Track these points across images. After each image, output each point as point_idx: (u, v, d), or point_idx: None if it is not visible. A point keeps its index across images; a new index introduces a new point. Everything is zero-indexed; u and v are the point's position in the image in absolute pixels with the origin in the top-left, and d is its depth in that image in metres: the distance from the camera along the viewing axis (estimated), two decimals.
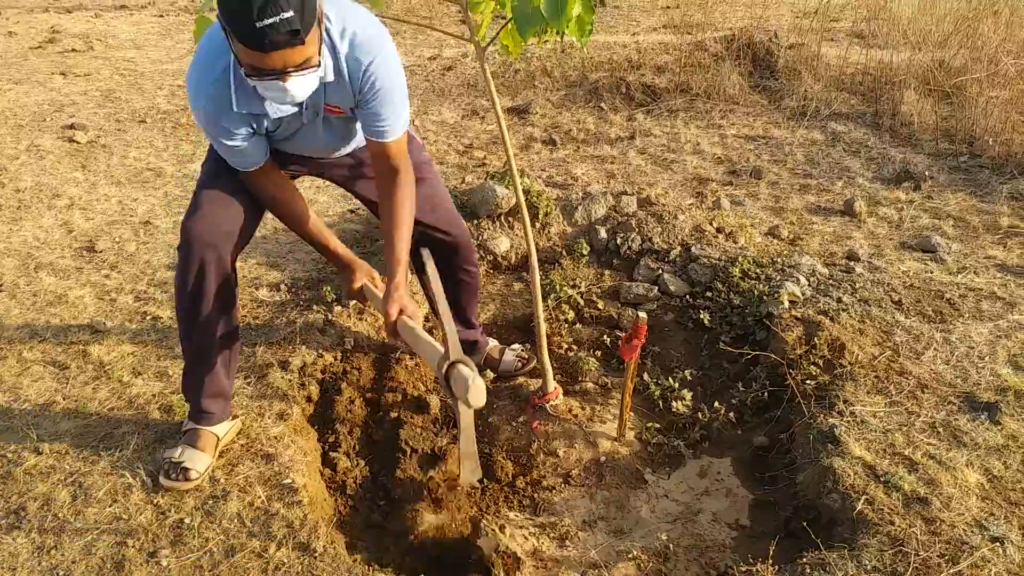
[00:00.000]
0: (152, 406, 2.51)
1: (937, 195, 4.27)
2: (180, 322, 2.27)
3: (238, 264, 3.39)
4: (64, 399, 2.54)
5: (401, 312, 2.11)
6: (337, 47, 1.96)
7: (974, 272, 3.39)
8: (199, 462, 2.22)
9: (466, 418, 1.94)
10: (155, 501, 2.14)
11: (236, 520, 2.09)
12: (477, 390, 1.84)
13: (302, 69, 1.79)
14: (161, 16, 8.59)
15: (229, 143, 2.05)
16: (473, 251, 2.64)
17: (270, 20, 1.65)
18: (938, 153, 4.86)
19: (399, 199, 2.20)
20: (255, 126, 2.06)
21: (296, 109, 2.05)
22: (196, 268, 2.14)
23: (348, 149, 2.36)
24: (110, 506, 2.12)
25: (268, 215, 2.36)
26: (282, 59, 1.74)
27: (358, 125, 2.24)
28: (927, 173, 4.48)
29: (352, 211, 3.99)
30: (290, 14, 1.67)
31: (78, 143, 4.79)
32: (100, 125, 5.16)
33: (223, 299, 2.23)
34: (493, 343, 2.94)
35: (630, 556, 2.18)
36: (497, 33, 2.43)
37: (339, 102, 2.09)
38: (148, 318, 3.00)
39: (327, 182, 2.59)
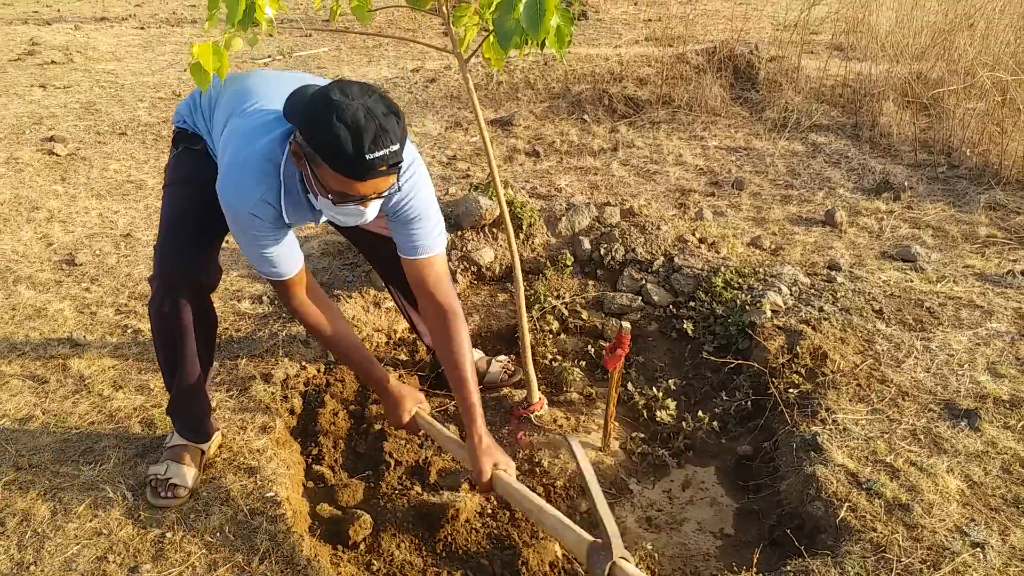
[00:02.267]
0: (133, 420, 2.49)
1: (916, 205, 4.32)
2: (165, 353, 2.23)
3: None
4: (43, 413, 2.51)
5: (495, 466, 2.03)
6: None
7: (953, 281, 3.43)
8: (186, 477, 2.20)
9: None
10: (136, 515, 2.12)
11: (218, 534, 2.08)
12: None
13: (384, 195, 1.80)
14: (142, 28, 8.56)
15: (271, 251, 1.98)
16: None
17: (380, 153, 1.66)
18: (917, 164, 4.92)
19: (456, 336, 2.12)
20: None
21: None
22: (174, 311, 2.13)
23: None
24: (90, 521, 2.10)
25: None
26: (374, 187, 1.74)
27: None
28: (906, 184, 4.53)
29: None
30: (396, 147, 1.69)
31: (58, 156, 4.75)
32: (80, 137, 5.12)
33: (205, 329, 2.22)
34: (478, 354, 2.94)
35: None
36: (479, 45, 2.45)
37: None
38: (129, 331, 2.97)
39: None
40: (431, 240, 2.11)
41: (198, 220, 2.15)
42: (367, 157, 1.65)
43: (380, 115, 1.67)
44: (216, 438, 2.38)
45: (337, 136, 1.64)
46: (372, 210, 1.84)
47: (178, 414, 2.30)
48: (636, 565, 1.99)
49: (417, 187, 2.03)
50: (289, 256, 2.03)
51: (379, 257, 2.62)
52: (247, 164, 1.89)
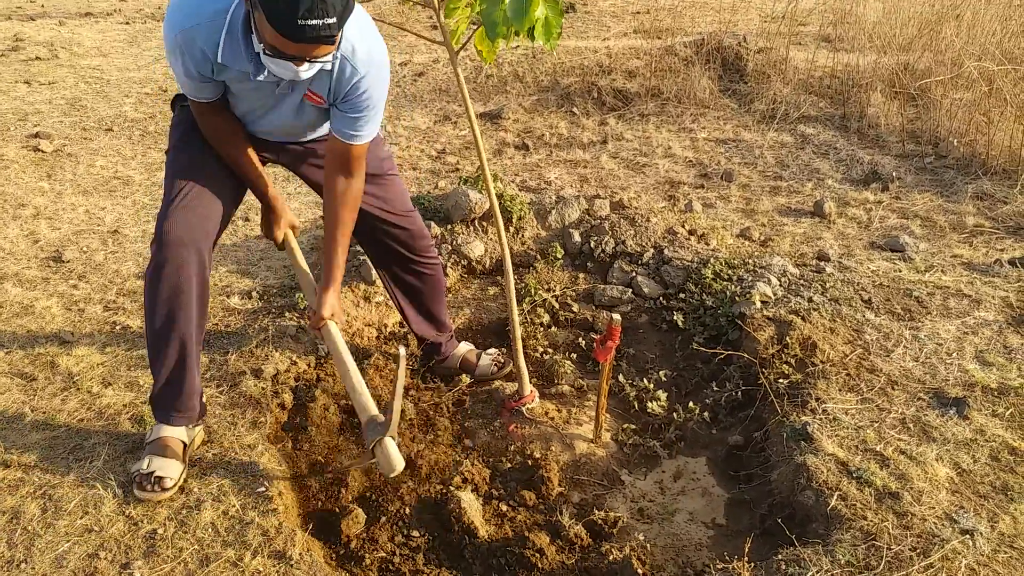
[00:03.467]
0: (123, 416, 2.48)
1: (904, 195, 4.34)
2: (156, 323, 2.17)
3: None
4: (32, 411, 2.50)
5: (332, 317, 2.29)
6: (344, 48, 2.01)
7: (941, 270, 3.45)
8: (171, 469, 2.18)
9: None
10: (127, 512, 2.11)
11: (210, 529, 2.07)
12: (397, 466, 2.07)
13: (319, 60, 1.88)
14: (127, 23, 8.49)
15: (193, 74, 2.04)
16: (429, 241, 2.69)
17: (313, 21, 1.73)
18: (905, 154, 4.94)
19: (346, 202, 2.28)
20: (223, 78, 2.08)
21: (277, 78, 2.05)
22: (176, 270, 2.10)
23: (311, 136, 2.40)
24: (81, 518, 2.09)
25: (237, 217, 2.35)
26: (307, 51, 1.82)
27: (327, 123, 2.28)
28: (894, 174, 4.55)
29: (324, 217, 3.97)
30: (332, 20, 1.75)
31: (43, 152, 4.71)
32: (66, 134, 5.08)
33: (202, 298, 2.21)
34: (468, 347, 2.94)
35: (609, 557, 2.18)
36: (469, 37, 2.44)
37: (320, 92, 2.12)
38: (117, 328, 2.96)
39: (298, 187, 2.61)
40: (368, 131, 2.21)
41: (210, 177, 2.21)
42: (298, 22, 1.72)
43: None
44: (199, 433, 2.37)
45: None
46: (306, 71, 1.92)
47: (167, 393, 2.24)
48: (625, 552, 2.01)
49: (374, 86, 2.13)
50: (211, 85, 2.09)
51: (372, 240, 2.62)
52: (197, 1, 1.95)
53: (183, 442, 2.27)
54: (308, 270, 2.48)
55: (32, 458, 2.29)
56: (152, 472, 2.14)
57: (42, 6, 9.21)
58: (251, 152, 2.30)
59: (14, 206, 3.98)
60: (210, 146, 2.25)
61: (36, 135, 4.94)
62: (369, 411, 2.16)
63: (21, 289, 3.21)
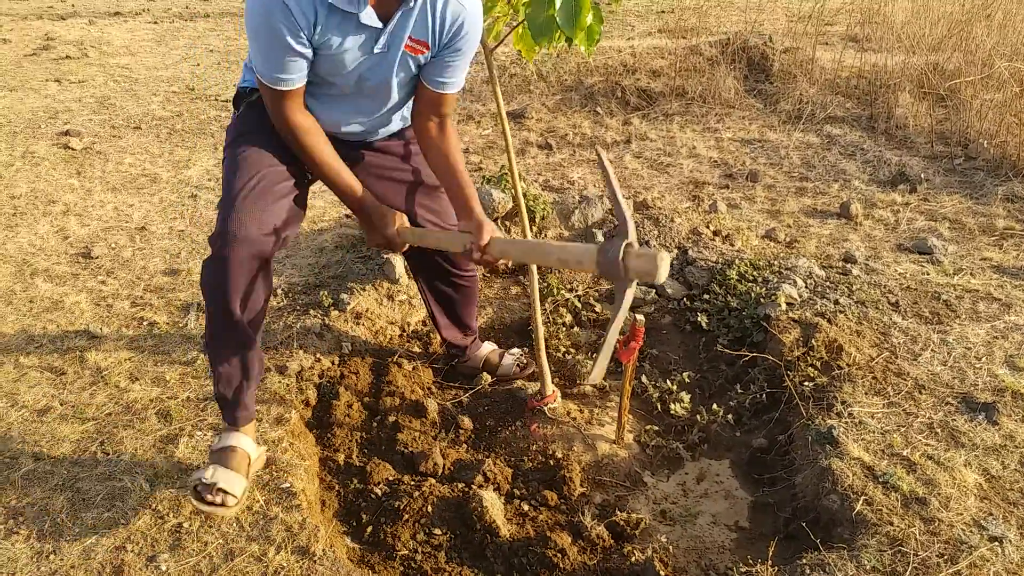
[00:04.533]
0: (149, 411, 2.51)
1: (933, 197, 4.29)
2: (215, 320, 2.07)
3: None
4: (61, 404, 2.53)
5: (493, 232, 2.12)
6: None
7: (970, 274, 3.40)
8: (236, 485, 2.05)
9: (628, 302, 1.82)
10: (153, 506, 2.13)
11: (235, 524, 2.09)
12: (663, 262, 1.73)
13: None
14: (155, 23, 8.59)
15: (294, 45, 1.88)
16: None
17: None
18: (933, 156, 4.87)
19: (453, 144, 2.24)
20: (323, 38, 1.94)
21: (377, 29, 1.97)
22: (238, 268, 1.97)
23: (392, 128, 2.34)
24: (108, 511, 2.11)
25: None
26: None
27: (408, 105, 2.26)
28: (923, 175, 4.50)
29: (348, 215, 3.99)
30: None
31: (73, 150, 4.78)
32: (95, 132, 5.15)
33: (265, 297, 2.11)
34: (492, 346, 2.94)
35: (631, 559, 2.17)
36: (506, 36, 2.44)
37: (422, 37, 2.04)
38: (144, 323, 2.99)
39: (320, 187, 2.54)
40: (462, 76, 2.17)
41: (279, 176, 2.09)
42: None
43: None
44: (262, 455, 2.26)
45: None
46: (475, 26, 1.93)
47: (224, 395, 2.15)
48: (649, 551, 2.00)
49: (476, 24, 2.08)
50: (303, 62, 1.95)
51: (417, 251, 2.57)
52: None
53: (248, 456, 2.16)
54: (439, 230, 2.37)
55: (61, 451, 2.33)
56: (215, 484, 2.02)
57: (72, 6, 9.34)
58: (337, 156, 2.16)
59: (45, 203, 4.04)
60: (277, 143, 2.11)
61: (66, 133, 5.02)
62: (587, 250, 1.88)
63: (51, 284, 3.26)
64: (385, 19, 1.96)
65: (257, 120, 2.15)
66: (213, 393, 2.21)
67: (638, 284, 1.78)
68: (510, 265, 3.46)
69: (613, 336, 1.83)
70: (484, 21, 2.32)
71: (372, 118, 2.25)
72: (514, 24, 2.41)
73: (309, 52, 1.94)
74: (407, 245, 2.36)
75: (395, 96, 2.19)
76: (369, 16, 1.92)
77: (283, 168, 2.11)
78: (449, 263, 2.61)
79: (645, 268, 1.74)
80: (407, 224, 2.34)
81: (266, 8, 1.83)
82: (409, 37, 2.02)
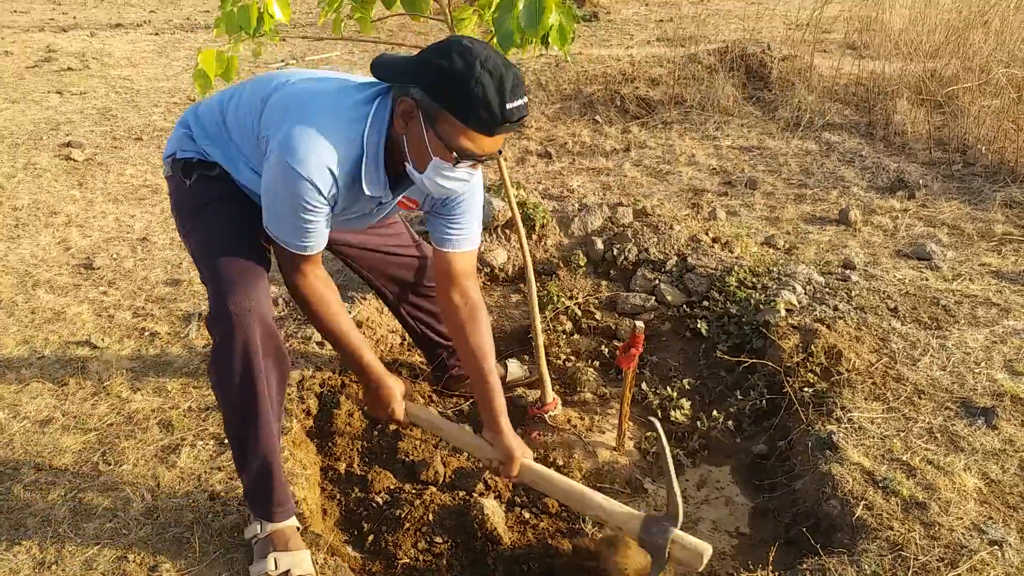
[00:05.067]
0: (151, 421, 2.52)
1: (931, 203, 4.30)
2: (240, 416, 1.93)
3: None
4: (63, 415, 2.54)
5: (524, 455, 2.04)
6: None
7: (969, 279, 3.41)
8: (305, 563, 1.96)
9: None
10: (154, 516, 2.14)
11: (236, 533, 2.09)
12: (706, 558, 1.77)
13: (492, 158, 1.77)
14: (156, 34, 8.63)
15: (316, 219, 1.83)
16: None
17: (518, 103, 1.64)
18: (932, 162, 4.89)
19: (483, 339, 2.09)
20: (343, 213, 1.94)
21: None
22: (250, 345, 1.85)
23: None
24: (110, 521, 2.12)
25: None
26: (495, 144, 1.72)
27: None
28: (921, 182, 4.51)
29: None
30: (526, 99, 1.67)
31: (75, 161, 4.81)
32: (97, 143, 5.18)
33: (283, 370, 1.98)
34: None
35: (632, 564, 2.17)
36: None
37: (415, 197, 2.02)
38: (146, 334, 3.00)
39: None
40: (475, 232, 2.09)
41: (252, 240, 1.98)
42: (507, 107, 1.62)
43: (510, 65, 1.65)
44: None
45: (483, 84, 1.60)
46: (477, 178, 1.84)
47: (262, 491, 2.00)
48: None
49: (479, 179, 2.03)
50: (324, 231, 1.89)
51: (386, 278, 2.57)
52: (327, 128, 1.75)
53: (296, 526, 2.06)
54: (455, 423, 2.26)
55: (63, 462, 2.33)
56: (287, 571, 1.92)
57: (74, 18, 9.39)
58: (352, 322, 2.09)
59: (47, 214, 4.06)
60: (238, 211, 2.01)
61: (68, 144, 5.04)
62: (631, 517, 1.92)
63: (53, 295, 3.27)
64: (394, 188, 1.95)
65: (217, 189, 2.04)
66: (243, 490, 2.05)
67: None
68: (580, 307, 3.34)
69: None
70: (459, 32, 2.33)
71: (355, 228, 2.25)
72: (487, 36, 2.43)
73: (329, 218, 1.90)
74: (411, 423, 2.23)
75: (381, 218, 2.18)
76: (387, 195, 1.93)
77: (252, 229, 1.99)
78: (421, 277, 2.58)
79: (687, 561, 1.80)
80: (411, 396, 2.17)
81: (295, 189, 1.76)
82: (404, 196, 2.02)
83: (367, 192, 1.85)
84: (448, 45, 1.68)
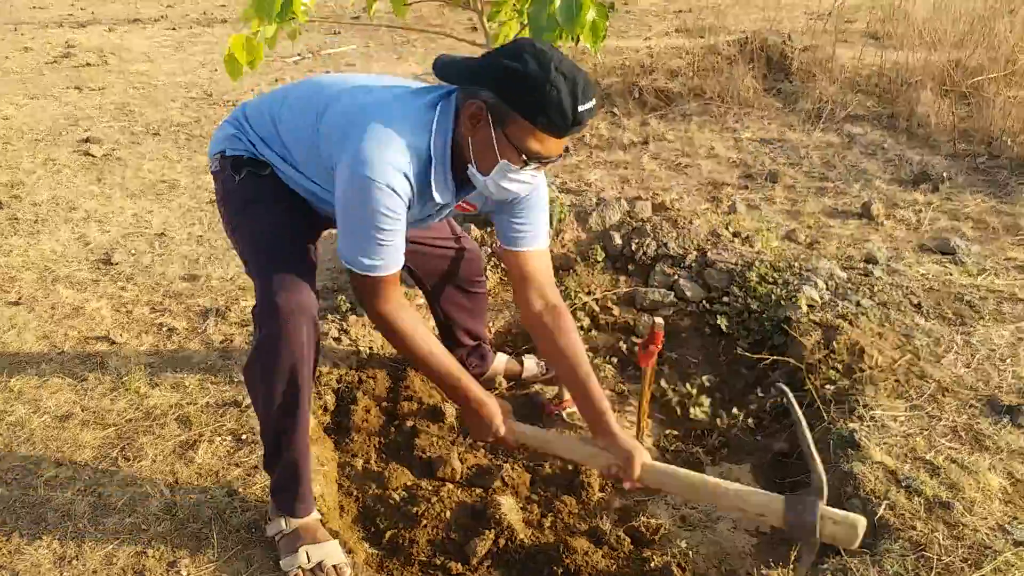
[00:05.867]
0: (169, 417, 2.52)
1: (955, 196, 4.23)
2: (278, 412, 1.92)
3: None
4: (83, 411, 2.56)
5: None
6: None
7: (994, 274, 3.35)
8: (337, 553, 1.98)
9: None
10: (173, 512, 2.14)
11: (254, 529, 2.10)
12: (861, 530, 1.69)
13: (558, 159, 1.78)
14: (174, 29, 8.67)
15: (389, 237, 1.80)
16: (482, 263, 2.65)
17: (589, 104, 1.65)
18: (956, 154, 4.81)
19: (571, 339, 2.03)
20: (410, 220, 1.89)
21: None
22: (296, 344, 1.85)
23: None
24: (129, 516, 2.13)
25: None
26: (561, 146, 1.72)
27: None
28: (945, 174, 4.44)
29: None
30: (595, 101, 1.68)
31: (93, 156, 4.83)
32: (115, 138, 5.20)
33: (317, 360, 1.97)
34: (504, 357, 2.90)
35: (650, 563, 2.16)
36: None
37: (473, 202, 2.01)
38: (164, 329, 3.01)
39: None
40: (543, 230, 2.06)
41: (302, 236, 2.00)
42: (579, 109, 1.63)
43: (580, 67, 1.65)
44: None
45: (557, 88, 1.60)
46: (541, 177, 1.82)
47: (290, 488, 2.01)
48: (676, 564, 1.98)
49: (543, 178, 2.01)
50: (401, 247, 1.85)
51: (428, 270, 2.54)
52: (395, 138, 1.74)
53: (319, 517, 2.08)
54: (562, 435, 2.18)
55: (82, 457, 2.35)
56: (320, 562, 1.94)
57: (92, 13, 9.45)
58: (441, 344, 2.01)
59: (66, 209, 4.08)
60: (288, 205, 2.03)
61: (87, 140, 5.07)
62: (770, 500, 1.83)
63: (72, 291, 3.29)
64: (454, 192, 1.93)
65: (268, 189, 2.04)
66: (270, 485, 2.05)
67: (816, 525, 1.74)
68: (598, 303, 3.28)
69: None
70: (492, 24, 2.31)
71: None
72: (521, 27, 2.41)
73: (403, 231, 1.86)
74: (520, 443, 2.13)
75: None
76: (452, 199, 1.92)
77: (301, 226, 2.03)
78: (472, 266, 2.58)
79: (843, 536, 1.70)
80: (509, 417, 2.06)
81: (375, 199, 1.73)
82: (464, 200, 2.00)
83: (437, 199, 1.85)
84: (520, 47, 1.66)
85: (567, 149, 1.77)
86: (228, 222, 2.11)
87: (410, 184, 1.77)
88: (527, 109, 1.65)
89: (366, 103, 1.83)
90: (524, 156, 1.71)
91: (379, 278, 1.85)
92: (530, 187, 1.84)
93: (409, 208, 1.82)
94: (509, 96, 1.66)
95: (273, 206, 2.02)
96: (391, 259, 1.84)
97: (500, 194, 1.82)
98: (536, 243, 2.05)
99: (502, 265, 3.52)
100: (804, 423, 1.85)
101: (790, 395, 1.91)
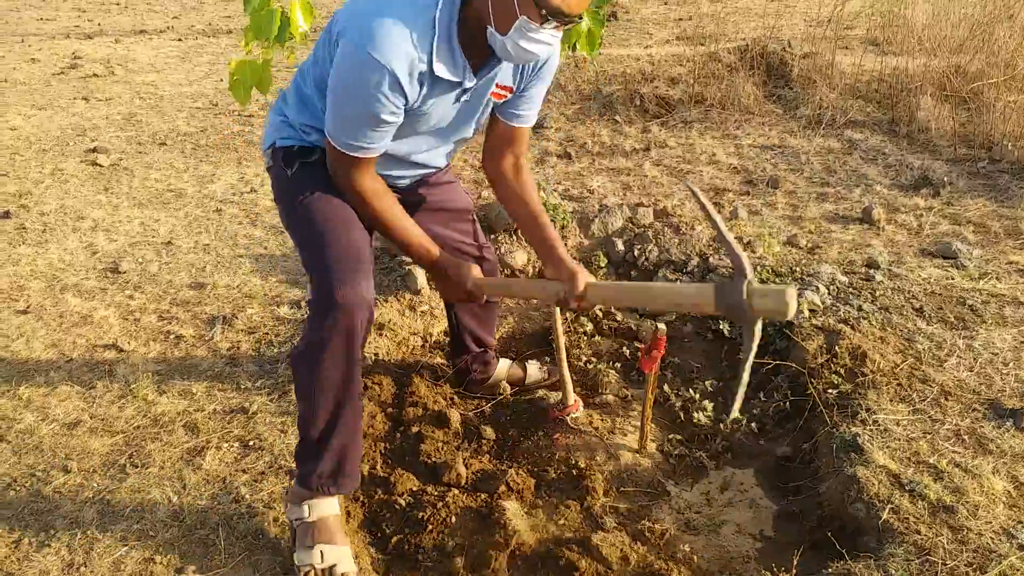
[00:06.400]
0: (177, 424, 2.54)
1: (956, 201, 4.25)
2: (330, 393, 1.95)
3: (260, 282, 3.43)
4: (91, 418, 2.58)
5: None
6: None
7: (996, 278, 3.36)
8: (347, 560, 1.99)
9: (756, 339, 1.78)
10: (181, 519, 2.16)
11: (260, 535, 2.11)
12: (792, 298, 1.67)
13: (575, 22, 1.76)
14: (179, 40, 8.72)
15: (388, 118, 1.81)
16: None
17: None
18: (956, 159, 4.83)
19: (531, 189, 2.21)
20: (419, 104, 1.88)
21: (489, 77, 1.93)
22: (353, 336, 1.89)
23: (443, 161, 2.28)
24: (137, 523, 2.15)
25: None
26: (584, 4, 1.70)
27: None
28: (946, 179, 4.45)
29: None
30: None
31: (101, 166, 4.87)
32: (122, 148, 5.24)
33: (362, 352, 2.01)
34: (507, 363, 2.91)
35: (654, 568, 2.17)
36: None
37: (508, 81, 2.01)
38: (171, 337, 3.04)
39: None
40: (537, 108, 2.15)
41: (357, 228, 2.00)
42: None
43: None
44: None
45: None
46: (556, 43, 1.82)
47: (340, 462, 2.03)
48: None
49: (557, 55, 2.04)
50: (390, 132, 1.87)
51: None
52: (399, 14, 1.72)
53: (338, 514, 2.08)
54: (517, 278, 2.28)
55: (91, 464, 2.37)
56: (333, 566, 1.95)
57: (99, 24, 9.51)
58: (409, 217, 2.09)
59: (73, 219, 4.11)
60: (342, 208, 2.03)
61: (94, 150, 5.10)
62: (701, 289, 1.84)
63: (80, 299, 3.32)
64: (476, 72, 1.91)
65: (320, 177, 2.04)
66: (314, 469, 2.02)
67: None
68: (601, 310, 3.30)
69: (746, 376, 1.81)
70: None
71: (432, 157, 2.20)
72: None
73: (400, 120, 1.88)
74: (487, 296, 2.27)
75: (469, 135, 2.17)
76: (470, 79, 1.90)
77: (353, 215, 2.03)
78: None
79: (773, 307, 1.70)
80: (480, 274, 2.19)
81: (371, 79, 1.73)
82: (496, 84, 2.01)
83: (441, 75, 1.80)
84: None
85: (580, 17, 1.79)
86: (284, 216, 2.12)
87: (412, 65, 1.74)
88: None
89: None
90: (544, 11, 1.68)
91: (360, 158, 1.88)
92: (550, 49, 1.80)
93: (417, 95, 1.81)
94: None
95: (328, 198, 2.02)
96: (379, 142, 1.86)
97: (520, 56, 1.79)
98: (531, 120, 2.16)
99: (506, 271, 3.54)
100: (715, 213, 1.82)
101: (698, 192, 1.88)
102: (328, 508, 2.05)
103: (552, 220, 3.62)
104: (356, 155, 1.88)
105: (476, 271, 2.16)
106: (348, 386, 1.96)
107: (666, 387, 2.89)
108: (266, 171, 2.20)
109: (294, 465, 2.12)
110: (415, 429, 2.64)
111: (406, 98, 1.81)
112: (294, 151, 2.06)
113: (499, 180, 2.24)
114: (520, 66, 2.00)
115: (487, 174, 2.28)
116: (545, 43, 1.77)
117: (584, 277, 2.02)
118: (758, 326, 1.75)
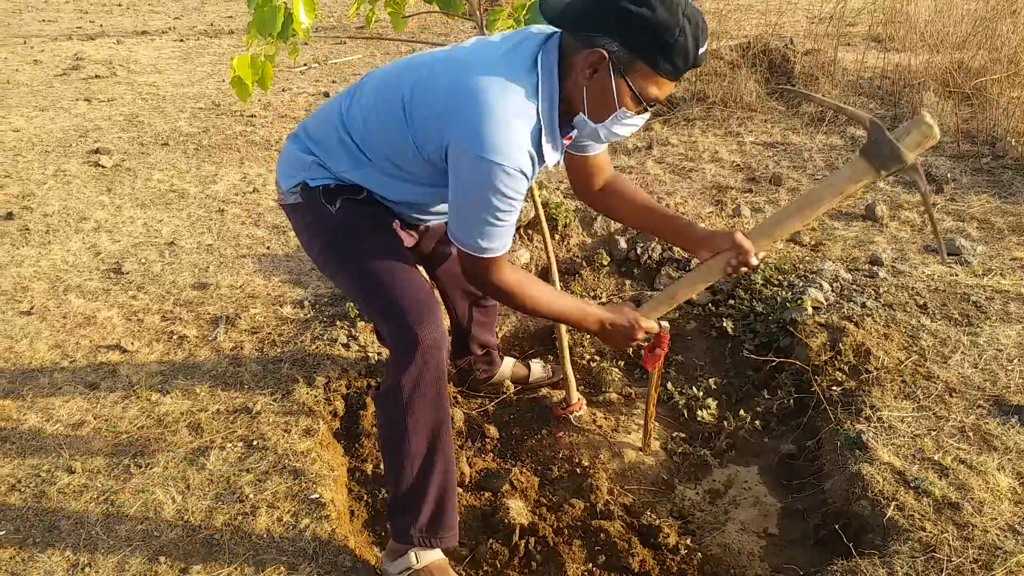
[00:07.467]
0: (180, 424, 2.54)
1: (960, 197, 4.23)
2: (423, 440, 1.91)
3: (263, 282, 3.43)
4: (95, 418, 2.58)
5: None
6: None
7: (1000, 274, 3.35)
8: None
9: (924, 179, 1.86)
10: (185, 518, 2.16)
11: (265, 536, 2.11)
12: (928, 118, 1.72)
13: None
14: (181, 41, 8.72)
15: (505, 220, 1.75)
16: None
17: (705, 46, 1.63)
18: (960, 155, 4.81)
19: (631, 189, 2.19)
20: None
21: None
22: (440, 377, 1.88)
23: None
24: (141, 523, 2.15)
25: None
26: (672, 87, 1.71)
27: None
28: (949, 175, 4.44)
29: None
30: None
31: (103, 167, 4.87)
32: (124, 149, 5.24)
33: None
34: (511, 361, 2.92)
35: (659, 565, 2.17)
36: None
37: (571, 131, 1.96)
38: (175, 337, 3.04)
39: None
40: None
41: (413, 266, 1.97)
42: (699, 52, 1.61)
43: (697, 7, 1.63)
44: None
45: (686, 34, 1.57)
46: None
47: (438, 515, 1.96)
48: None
49: None
50: (515, 223, 1.80)
51: (459, 286, 2.54)
52: (506, 110, 1.65)
53: (445, 559, 2.04)
54: (677, 282, 2.25)
55: (95, 464, 2.37)
56: None
57: (101, 26, 9.52)
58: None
59: (76, 220, 4.12)
60: (388, 232, 2.00)
61: (96, 151, 5.11)
62: (852, 165, 1.89)
63: (84, 300, 3.32)
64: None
65: (370, 216, 1.98)
66: (413, 521, 1.95)
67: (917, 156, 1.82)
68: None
69: (933, 211, 1.84)
70: (489, 33, 2.33)
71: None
72: None
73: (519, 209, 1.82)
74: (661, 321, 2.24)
75: None
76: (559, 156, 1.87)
77: (407, 253, 2.02)
78: None
79: (922, 135, 1.77)
80: (632, 310, 2.11)
81: (508, 188, 1.68)
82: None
83: (548, 162, 1.79)
84: None
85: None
86: (328, 256, 2.01)
87: (532, 159, 1.71)
88: (653, 56, 1.60)
89: (461, 79, 1.70)
90: (644, 104, 1.67)
91: (494, 258, 1.81)
92: (638, 128, 1.79)
93: (543, 164, 1.80)
94: (636, 44, 1.59)
95: (384, 236, 1.98)
96: (509, 238, 1.80)
97: (611, 139, 1.81)
98: (603, 147, 2.13)
99: None
100: (815, 96, 1.98)
101: (800, 88, 1.92)
102: (435, 555, 2.00)
103: (554, 219, 3.63)
104: (495, 256, 1.81)
105: (630, 310, 2.08)
106: (441, 428, 1.92)
107: (669, 385, 2.88)
108: (283, 206, 2.06)
109: (388, 524, 2.06)
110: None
111: (528, 181, 1.77)
112: (333, 188, 1.96)
113: (602, 200, 2.20)
114: None
115: (592, 206, 2.25)
116: (637, 126, 1.78)
117: (742, 237, 2.00)
118: (919, 164, 1.81)
